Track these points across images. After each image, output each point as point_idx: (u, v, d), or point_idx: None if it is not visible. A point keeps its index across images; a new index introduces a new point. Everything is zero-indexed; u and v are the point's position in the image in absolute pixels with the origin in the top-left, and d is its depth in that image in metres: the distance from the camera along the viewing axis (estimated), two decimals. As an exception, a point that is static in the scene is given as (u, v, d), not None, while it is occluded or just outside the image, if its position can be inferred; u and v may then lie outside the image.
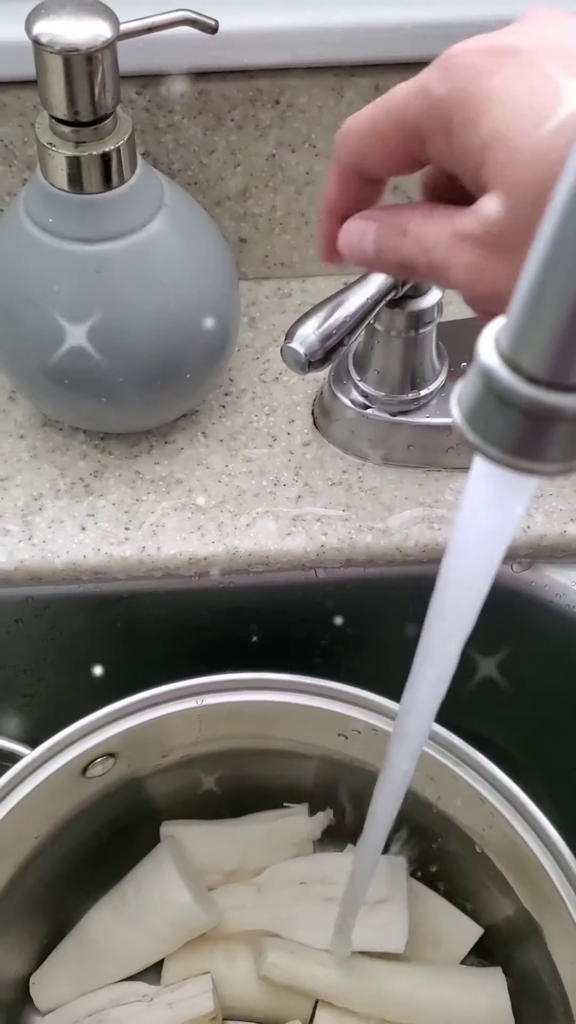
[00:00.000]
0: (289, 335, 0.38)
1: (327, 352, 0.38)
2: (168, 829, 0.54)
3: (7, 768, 0.45)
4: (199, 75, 0.45)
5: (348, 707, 0.46)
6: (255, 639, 0.48)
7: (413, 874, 0.54)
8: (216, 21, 0.39)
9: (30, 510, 0.46)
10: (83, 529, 0.46)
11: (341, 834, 0.55)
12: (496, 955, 0.52)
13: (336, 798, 0.54)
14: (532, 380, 0.18)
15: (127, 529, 0.46)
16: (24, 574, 0.45)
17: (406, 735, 0.34)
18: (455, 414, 0.19)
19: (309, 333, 0.38)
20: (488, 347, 0.18)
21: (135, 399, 0.45)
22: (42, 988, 0.52)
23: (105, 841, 0.53)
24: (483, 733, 0.47)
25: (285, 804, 0.56)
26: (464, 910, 0.54)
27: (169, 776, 0.51)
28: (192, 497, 0.47)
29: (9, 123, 0.46)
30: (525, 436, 0.18)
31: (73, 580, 0.46)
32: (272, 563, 0.46)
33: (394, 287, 0.40)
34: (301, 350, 0.38)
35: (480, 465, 0.20)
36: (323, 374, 0.49)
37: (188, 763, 0.51)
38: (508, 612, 0.48)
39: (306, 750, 0.50)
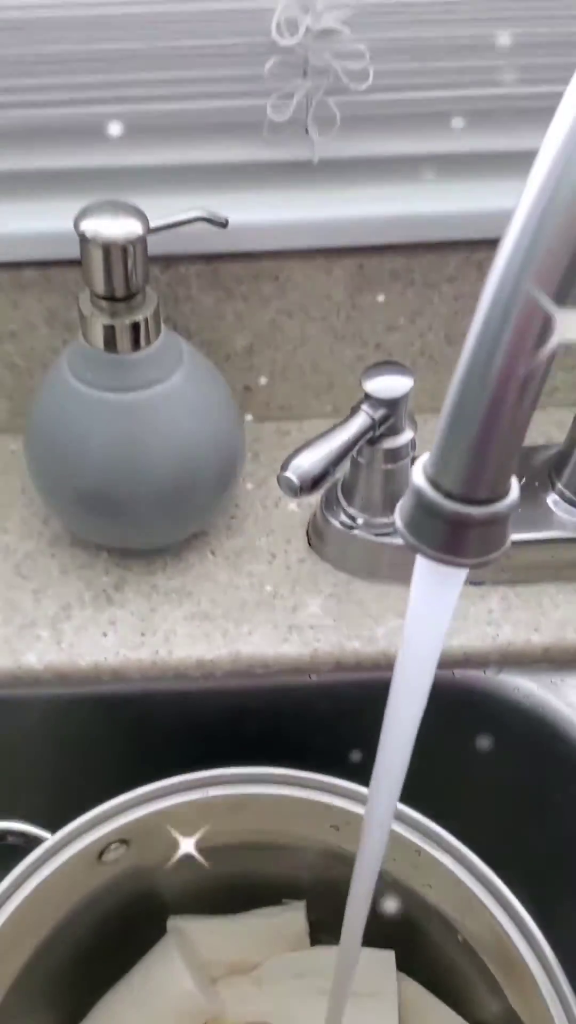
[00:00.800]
0: (284, 466, 0.46)
1: (316, 481, 0.46)
2: (174, 923, 0.58)
3: (28, 850, 0.49)
4: (212, 257, 0.54)
5: (339, 799, 0.50)
6: (255, 736, 0.54)
7: (401, 968, 0.58)
8: (226, 218, 0.48)
9: (59, 619, 0.53)
10: (104, 635, 0.52)
11: (338, 928, 0.59)
12: None
13: (333, 893, 0.58)
14: (449, 496, 0.25)
15: (143, 635, 0.52)
16: (52, 675, 0.51)
17: (373, 816, 0.39)
18: (397, 523, 0.26)
19: (301, 464, 0.46)
20: (418, 472, 0.25)
21: (153, 522, 0.52)
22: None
23: (113, 932, 0.57)
24: (459, 826, 0.52)
25: (284, 900, 0.60)
26: (452, 1006, 0.57)
27: (175, 868, 0.56)
28: (201, 607, 0.54)
29: (54, 294, 0.55)
30: (447, 537, 0.25)
31: (95, 681, 0.52)
32: (271, 666, 0.52)
33: (372, 428, 0.48)
34: (295, 478, 0.45)
35: (419, 561, 0.27)
36: (315, 500, 0.57)
37: (193, 855, 0.55)
38: (482, 712, 0.54)
39: (302, 843, 0.54)
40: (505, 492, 0.25)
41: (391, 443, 0.50)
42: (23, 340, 0.57)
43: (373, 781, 0.38)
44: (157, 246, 0.48)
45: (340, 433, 0.47)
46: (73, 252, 0.50)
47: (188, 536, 0.56)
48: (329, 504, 0.55)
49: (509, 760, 0.54)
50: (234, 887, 0.59)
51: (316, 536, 0.56)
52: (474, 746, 0.54)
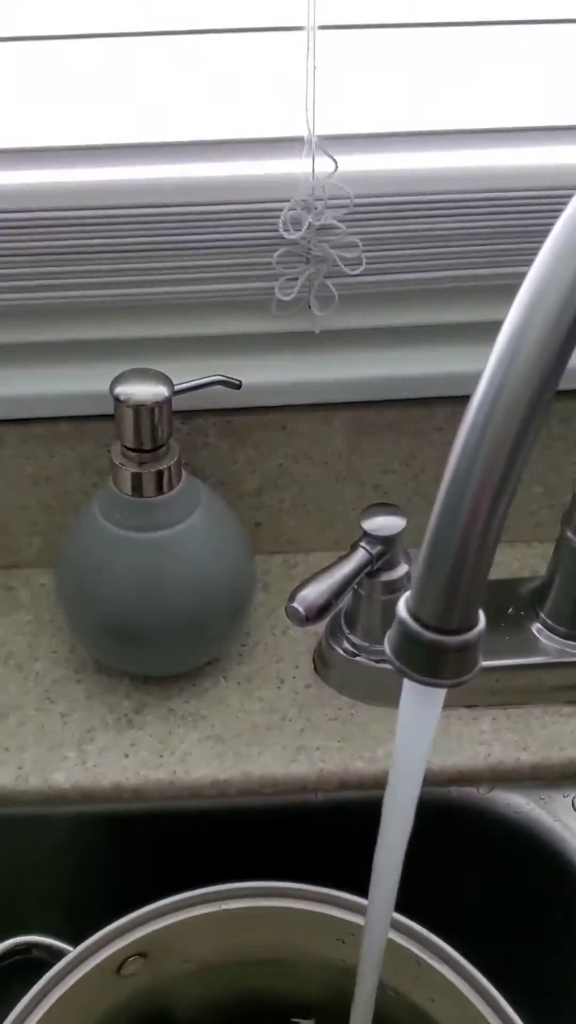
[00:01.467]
0: (291, 597, 0.51)
1: (320, 610, 0.51)
2: (187, 1043, 0.60)
3: (51, 964, 0.52)
4: (227, 411, 0.61)
5: (345, 912, 0.53)
6: (265, 852, 0.57)
7: None
8: (240, 381, 0.55)
9: (84, 740, 0.57)
10: (126, 756, 0.57)
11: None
12: None
13: (341, 1011, 0.60)
14: (427, 627, 0.30)
15: (161, 756, 0.57)
16: (78, 793, 0.55)
17: (372, 921, 0.42)
18: (387, 650, 0.31)
19: (307, 596, 0.51)
20: (402, 606, 0.31)
21: (172, 650, 0.57)
22: None
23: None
24: (458, 938, 0.54)
25: (293, 1020, 0.62)
26: None
27: (187, 985, 0.58)
28: (215, 730, 0.58)
29: (87, 444, 0.61)
30: (427, 662, 0.30)
31: (116, 799, 0.56)
32: (280, 785, 0.56)
33: (370, 562, 0.54)
34: (301, 609, 0.51)
35: (406, 683, 0.32)
36: (321, 629, 0.62)
37: (207, 970, 0.57)
38: (476, 828, 0.57)
39: (311, 958, 0.57)
40: (474, 623, 0.30)
41: (388, 576, 0.55)
42: (57, 484, 0.63)
43: (372, 886, 0.41)
44: (179, 402, 0.55)
45: (341, 567, 0.53)
46: (104, 408, 0.57)
47: (203, 663, 0.61)
48: (333, 632, 0.60)
49: (502, 874, 0.57)
50: (244, 1005, 0.61)
51: (321, 662, 0.61)
52: (469, 860, 0.58)
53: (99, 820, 0.56)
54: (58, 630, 0.63)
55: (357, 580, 0.54)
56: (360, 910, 0.53)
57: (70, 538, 0.57)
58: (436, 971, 0.51)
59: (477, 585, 0.29)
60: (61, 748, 0.57)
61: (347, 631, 0.59)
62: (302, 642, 0.63)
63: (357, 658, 0.59)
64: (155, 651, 0.57)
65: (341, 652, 0.59)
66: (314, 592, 0.51)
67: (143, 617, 0.55)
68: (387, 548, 0.54)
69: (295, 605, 0.51)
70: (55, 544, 0.66)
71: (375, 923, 0.42)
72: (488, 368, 0.27)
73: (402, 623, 0.30)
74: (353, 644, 0.59)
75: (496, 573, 0.33)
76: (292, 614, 0.51)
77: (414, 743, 0.33)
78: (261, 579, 0.66)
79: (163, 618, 0.56)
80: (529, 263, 0.27)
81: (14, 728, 0.58)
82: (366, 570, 0.54)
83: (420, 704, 0.32)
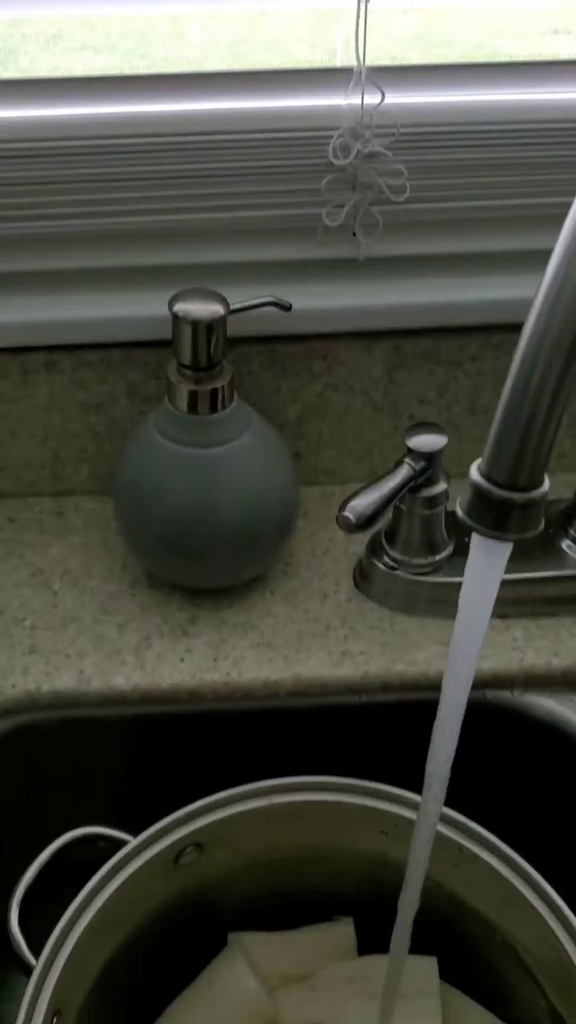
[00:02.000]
0: (342, 507, 0.54)
1: (368, 519, 0.54)
2: (235, 936, 0.64)
3: (112, 854, 0.55)
4: (271, 339, 0.64)
5: (389, 804, 0.57)
6: (313, 750, 0.61)
7: (442, 974, 0.63)
8: (290, 303, 0.58)
9: (141, 647, 0.61)
10: (182, 661, 0.60)
11: (382, 942, 0.64)
12: None
13: (378, 908, 0.64)
14: (497, 485, 0.33)
15: (215, 661, 0.60)
16: (138, 695, 0.59)
17: (428, 796, 0.45)
18: (458, 511, 0.35)
19: (357, 506, 0.54)
20: (474, 470, 0.34)
21: (223, 564, 0.61)
22: (126, 1079, 0.60)
23: (179, 944, 0.62)
24: (494, 830, 0.57)
25: (333, 917, 0.66)
26: (492, 1009, 0.62)
27: (236, 882, 0.62)
28: (264, 638, 0.61)
29: (136, 371, 0.64)
30: (497, 518, 0.34)
31: (173, 700, 0.59)
32: (327, 687, 0.60)
33: (413, 477, 0.57)
34: (352, 517, 0.54)
35: (475, 540, 0.35)
36: (361, 548, 0.65)
37: (254, 866, 0.61)
38: (509, 729, 0.61)
39: (353, 854, 0.60)
40: (540, 483, 0.33)
41: (428, 492, 0.59)
42: (106, 411, 0.66)
43: (428, 760, 0.45)
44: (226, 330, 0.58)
45: (388, 481, 0.56)
46: (155, 334, 0.60)
47: (250, 579, 0.64)
48: (374, 549, 0.63)
49: (534, 771, 0.61)
50: (288, 903, 0.65)
51: (362, 578, 0.64)
52: (503, 759, 0.61)
53: (158, 721, 0.60)
54: (109, 551, 0.67)
55: (399, 496, 0.57)
56: (402, 801, 0.56)
57: (127, 455, 0.60)
58: (477, 857, 0.55)
59: (545, 448, 0.33)
60: (120, 654, 0.60)
61: (387, 547, 0.62)
62: (342, 562, 0.66)
63: (396, 571, 0.62)
64: (208, 564, 0.60)
65: (381, 566, 0.62)
66: (363, 502, 0.55)
67: (197, 530, 0.58)
68: (429, 464, 0.57)
69: (346, 514, 0.54)
70: (102, 472, 0.69)
71: (431, 794, 0.45)
72: (559, 246, 0.30)
73: (475, 485, 0.34)
74: (393, 559, 0.62)
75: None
76: (343, 522, 0.54)
77: (480, 597, 0.36)
78: (302, 507, 0.69)
79: (216, 532, 0.59)
80: (571, 192, 0.30)
81: (74, 637, 0.61)
82: (409, 485, 0.57)
83: (487, 559, 0.35)
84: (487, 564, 0.35)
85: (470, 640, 0.37)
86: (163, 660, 0.60)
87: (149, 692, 0.59)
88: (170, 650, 0.60)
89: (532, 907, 0.53)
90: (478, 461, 0.34)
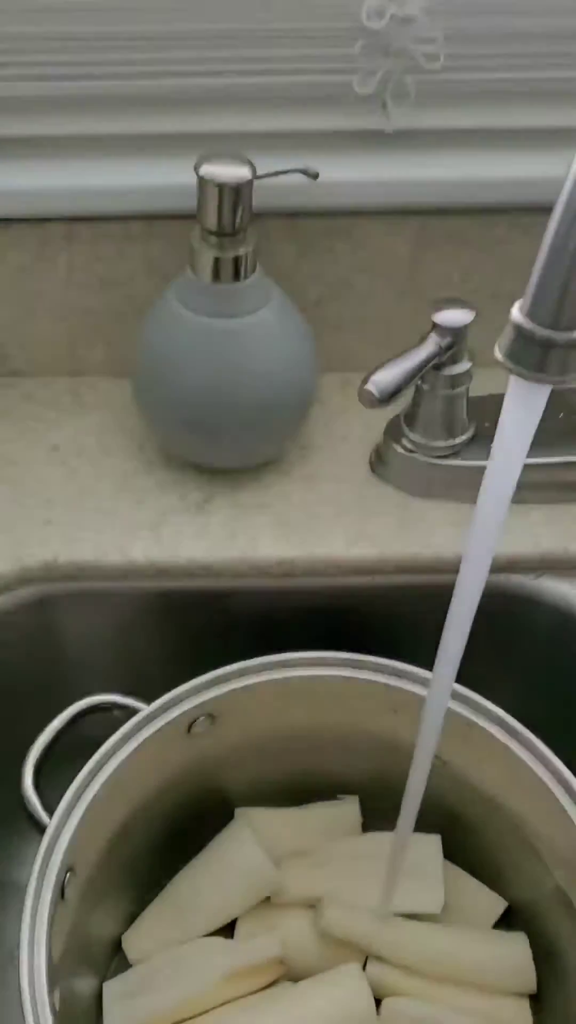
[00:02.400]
0: (365, 380, 0.54)
1: (391, 393, 0.54)
2: (242, 811, 0.65)
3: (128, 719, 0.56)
4: (294, 214, 0.63)
5: (400, 680, 0.57)
6: (326, 629, 0.61)
7: (446, 854, 0.64)
8: (317, 172, 0.56)
9: (158, 524, 0.60)
10: (199, 537, 0.60)
11: (386, 822, 0.66)
12: (523, 927, 0.61)
13: (382, 789, 0.64)
14: (540, 324, 0.33)
15: (231, 538, 0.60)
16: (155, 569, 0.59)
17: (438, 681, 0.46)
18: (497, 353, 0.34)
19: (380, 380, 0.54)
20: (515, 310, 0.33)
21: (239, 440, 0.60)
22: (134, 943, 0.62)
23: (188, 817, 0.63)
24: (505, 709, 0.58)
25: (339, 796, 0.67)
26: (493, 885, 0.63)
27: (246, 758, 0.63)
28: (280, 518, 0.61)
29: (157, 243, 0.63)
30: (537, 359, 0.33)
31: (189, 575, 0.59)
32: (342, 566, 0.60)
33: (438, 353, 0.56)
34: (375, 391, 0.53)
35: (512, 382, 0.34)
36: (379, 436, 0.65)
37: (265, 743, 0.62)
38: (525, 614, 0.61)
39: (363, 732, 0.61)
40: (582, 323, 0.33)
41: (452, 370, 0.58)
42: (124, 288, 0.65)
43: (445, 629, 0.45)
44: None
45: (412, 356, 0.55)
46: (176, 205, 0.59)
47: (266, 461, 0.63)
48: (392, 432, 0.63)
49: (547, 654, 0.61)
50: (295, 783, 0.66)
51: (379, 462, 0.64)
52: (516, 642, 0.62)
53: (174, 596, 0.60)
54: (126, 431, 0.66)
55: (422, 373, 0.57)
56: (413, 678, 0.57)
57: (146, 327, 0.60)
58: (486, 732, 0.56)
59: (588, 287, 0.32)
60: (137, 529, 0.60)
61: (406, 429, 0.62)
62: (358, 448, 0.66)
63: (414, 455, 0.62)
64: (225, 442, 0.60)
65: (400, 450, 0.62)
66: (387, 376, 0.54)
67: (215, 405, 0.58)
68: (455, 341, 0.56)
69: (368, 387, 0.54)
70: (118, 353, 0.68)
71: (443, 666, 0.45)
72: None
73: (516, 325, 0.33)
74: (412, 441, 0.62)
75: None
76: (365, 396, 0.54)
77: (514, 445, 0.36)
78: (318, 394, 0.69)
79: (234, 407, 0.58)
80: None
81: (91, 512, 0.61)
82: (434, 361, 0.56)
83: (525, 403, 0.35)
84: (524, 410, 0.35)
85: (500, 492, 0.37)
86: (179, 536, 0.60)
87: (165, 566, 0.59)
88: (186, 527, 0.60)
89: (541, 781, 0.54)
90: (519, 301, 0.34)
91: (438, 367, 0.58)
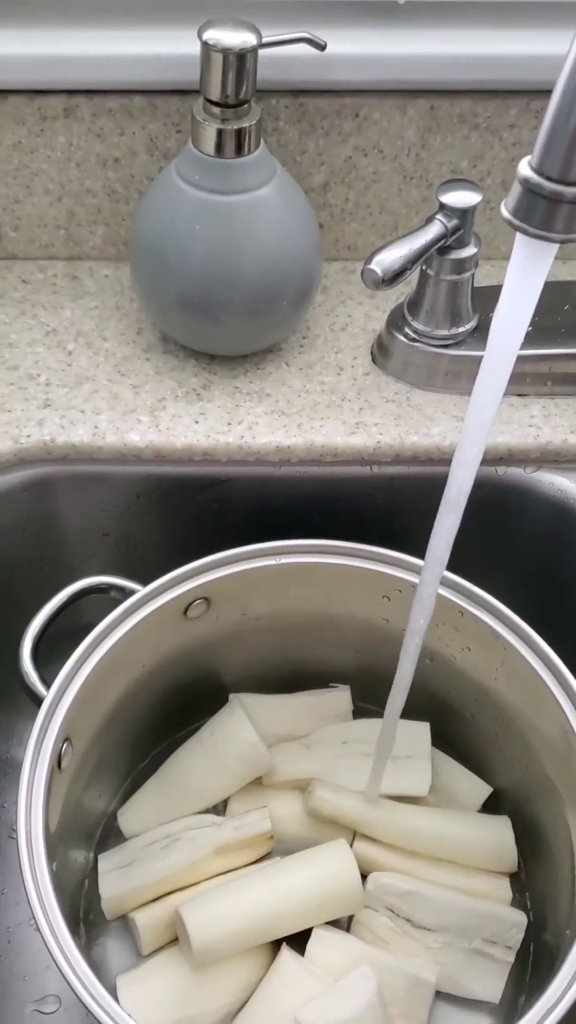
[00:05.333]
0: (368, 260, 0.53)
1: (395, 274, 0.53)
2: (236, 696, 0.66)
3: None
4: (300, 92, 0.61)
5: (393, 568, 0.57)
6: (322, 518, 0.61)
7: (434, 742, 0.65)
8: (324, 42, 0.54)
9: (156, 408, 0.60)
10: (196, 422, 0.60)
11: (376, 712, 0.67)
12: (508, 813, 0.62)
13: (374, 679, 0.65)
14: (548, 179, 0.32)
15: (229, 424, 0.60)
16: (152, 452, 0.59)
17: (431, 564, 0.45)
18: (504, 212, 0.33)
19: (384, 259, 0.52)
20: (523, 165, 0.32)
21: (239, 324, 0.59)
22: (128, 818, 0.63)
23: (183, 701, 0.64)
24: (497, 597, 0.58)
25: (331, 684, 0.68)
26: (480, 772, 0.64)
27: (240, 645, 0.63)
28: (279, 406, 0.61)
29: (158, 121, 0.61)
30: (544, 215, 0.32)
31: (187, 461, 0.59)
32: (339, 454, 0.59)
33: (444, 236, 0.55)
34: (378, 270, 0.52)
35: (518, 242, 0.34)
36: (380, 326, 0.64)
37: (259, 629, 0.62)
38: (520, 506, 0.61)
39: (355, 621, 0.61)
40: (592, 178, 0.32)
41: (458, 254, 0.57)
42: (124, 167, 0.64)
43: (438, 518, 0.44)
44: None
45: (417, 236, 0.54)
46: (177, 77, 0.57)
47: (266, 348, 0.63)
48: (394, 321, 0.62)
49: (542, 547, 0.62)
50: (288, 673, 0.67)
51: (380, 352, 0.63)
52: (512, 534, 0.62)
53: (171, 481, 0.60)
54: (124, 315, 0.65)
55: (426, 257, 0.56)
56: (405, 566, 0.57)
57: (147, 204, 0.58)
58: (478, 619, 0.56)
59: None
60: (134, 413, 0.60)
61: (409, 317, 0.61)
62: (360, 338, 0.65)
63: (417, 344, 0.61)
64: (225, 326, 0.59)
65: (402, 338, 0.61)
66: (391, 256, 0.53)
67: (215, 286, 0.57)
68: (462, 223, 0.55)
69: (372, 267, 0.53)
70: (117, 236, 0.67)
71: (437, 540, 0.45)
72: None
73: (524, 179, 0.32)
74: (414, 330, 0.61)
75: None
76: (368, 276, 0.53)
77: (517, 309, 0.35)
78: (321, 283, 0.67)
79: (234, 288, 0.57)
80: None
81: (88, 395, 0.60)
82: (439, 243, 0.55)
83: (531, 261, 0.34)
84: (530, 270, 0.34)
85: (503, 356, 0.36)
86: (177, 421, 0.59)
87: (163, 450, 0.59)
88: (184, 412, 0.60)
89: (531, 669, 0.54)
90: (527, 157, 0.33)
91: (444, 251, 0.57)
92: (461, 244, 0.56)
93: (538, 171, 0.32)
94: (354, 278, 0.69)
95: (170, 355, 0.63)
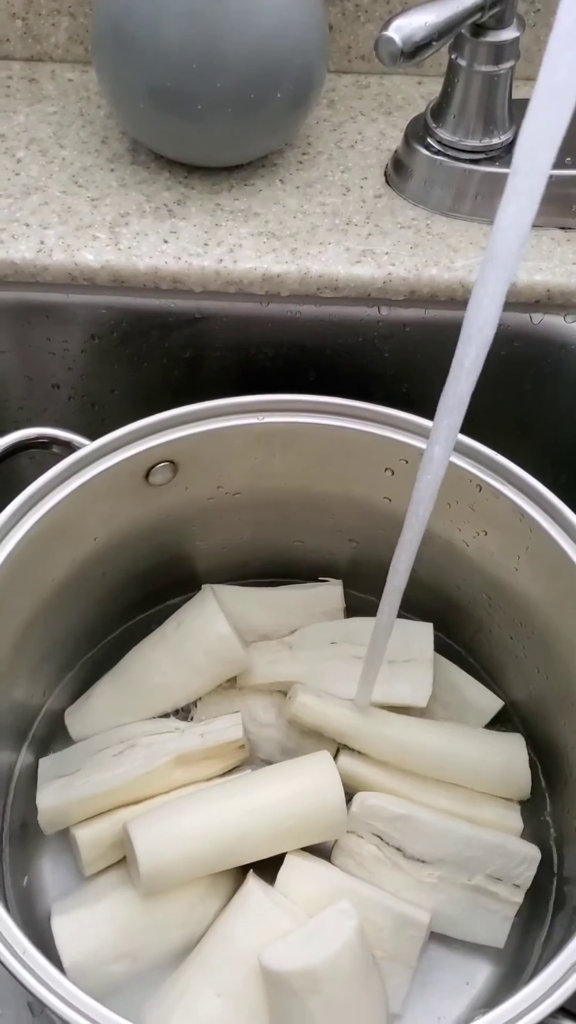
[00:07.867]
0: (386, 25, 0.41)
1: (417, 46, 0.41)
2: (209, 587, 0.56)
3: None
4: None
5: (400, 433, 0.47)
6: (316, 377, 0.51)
7: (438, 649, 0.55)
8: None
9: (117, 224, 0.49)
10: (165, 242, 0.49)
11: (372, 611, 0.57)
12: (523, 731, 0.53)
13: (370, 575, 0.55)
14: None
15: (206, 245, 0.49)
16: (109, 275, 0.48)
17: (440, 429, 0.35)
18: None
19: (404, 24, 0.41)
20: None
21: (224, 124, 0.48)
22: (77, 719, 0.54)
23: (146, 590, 0.55)
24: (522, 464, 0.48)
25: (320, 578, 0.58)
26: (490, 685, 0.55)
27: (220, 527, 0.53)
28: (268, 227, 0.50)
29: None
30: None
31: (152, 288, 0.48)
32: (341, 288, 0.49)
33: (482, 8, 0.43)
34: (396, 38, 0.41)
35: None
36: (397, 141, 0.52)
37: (241, 508, 0.52)
38: (556, 364, 0.51)
39: (350, 501, 0.51)
40: None
41: (496, 36, 0.45)
42: None
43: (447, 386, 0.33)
44: None
45: (449, 2, 0.42)
46: None
47: (257, 155, 0.51)
48: (415, 132, 0.51)
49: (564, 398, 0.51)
50: (270, 560, 0.57)
51: (397, 171, 0.52)
52: (546, 398, 0.51)
53: (129, 319, 0.49)
54: (88, 123, 0.54)
55: (456, 34, 0.44)
56: (415, 430, 0.47)
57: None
58: (499, 494, 0.46)
59: None
60: (90, 229, 0.49)
61: (433, 126, 0.50)
62: (372, 157, 0.54)
63: (441, 157, 0.50)
64: (206, 126, 0.48)
65: (423, 151, 0.50)
66: (414, 22, 0.41)
67: (195, 76, 0.45)
68: (503, -7, 0.44)
69: (389, 34, 0.41)
70: (83, 32, 0.56)
71: (446, 421, 0.34)
72: None
73: None
74: (440, 140, 0.50)
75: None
76: (384, 45, 0.41)
77: (560, 92, 0.24)
78: (326, 96, 0.56)
79: (218, 79, 0.46)
80: None
81: (36, 207, 0.50)
82: (475, 18, 0.43)
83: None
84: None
85: (538, 152, 0.25)
86: (142, 240, 0.49)
87: (122, 273, 0.48)
88: (151, 229, 0.49)
89: (563, 554, 0.44)
90: None
91: (479, 31, 0.45)
92: (501, 23, 0.45)
93: None
94: (367, 93, 0.57)
95: (140, 167, 0.52)
